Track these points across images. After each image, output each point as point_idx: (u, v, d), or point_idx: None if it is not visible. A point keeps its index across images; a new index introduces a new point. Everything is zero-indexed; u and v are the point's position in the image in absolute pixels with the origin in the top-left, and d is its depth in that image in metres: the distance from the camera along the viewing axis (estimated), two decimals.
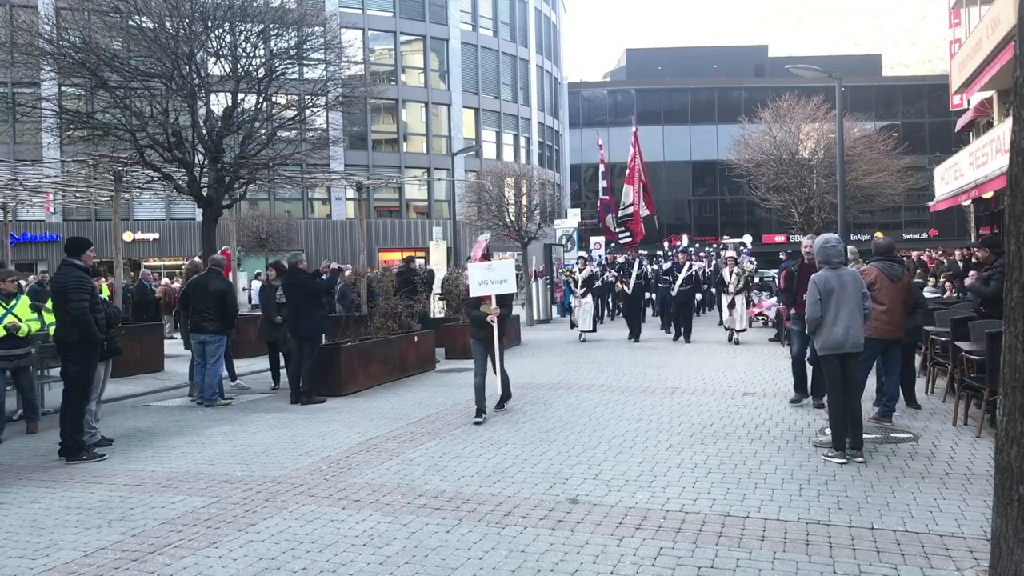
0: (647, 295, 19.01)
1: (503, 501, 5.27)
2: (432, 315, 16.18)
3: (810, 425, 7.45)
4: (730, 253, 16.79)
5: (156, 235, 35.62)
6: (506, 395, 8.75)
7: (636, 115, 55.56)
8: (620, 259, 18.67)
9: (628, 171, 23.22)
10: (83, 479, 6.23)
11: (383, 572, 4.12)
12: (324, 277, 10.93)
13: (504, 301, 8.55)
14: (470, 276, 8.66)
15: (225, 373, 10.62)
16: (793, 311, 8.74)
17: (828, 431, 6.52)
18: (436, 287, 17.70)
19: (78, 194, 15.83)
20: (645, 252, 26.26)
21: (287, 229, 32.29)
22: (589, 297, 17.04)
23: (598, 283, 19.52)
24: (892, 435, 6.91)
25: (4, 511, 5.41)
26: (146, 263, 31.05)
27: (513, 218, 25.91)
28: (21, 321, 7.82)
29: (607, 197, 24.84)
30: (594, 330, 17.04)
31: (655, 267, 19.96)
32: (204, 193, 10.25)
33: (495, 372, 8.48)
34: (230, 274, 15.31)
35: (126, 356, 10.36)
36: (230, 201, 10.79)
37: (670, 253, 18.73)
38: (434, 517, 4.97)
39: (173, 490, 5.81)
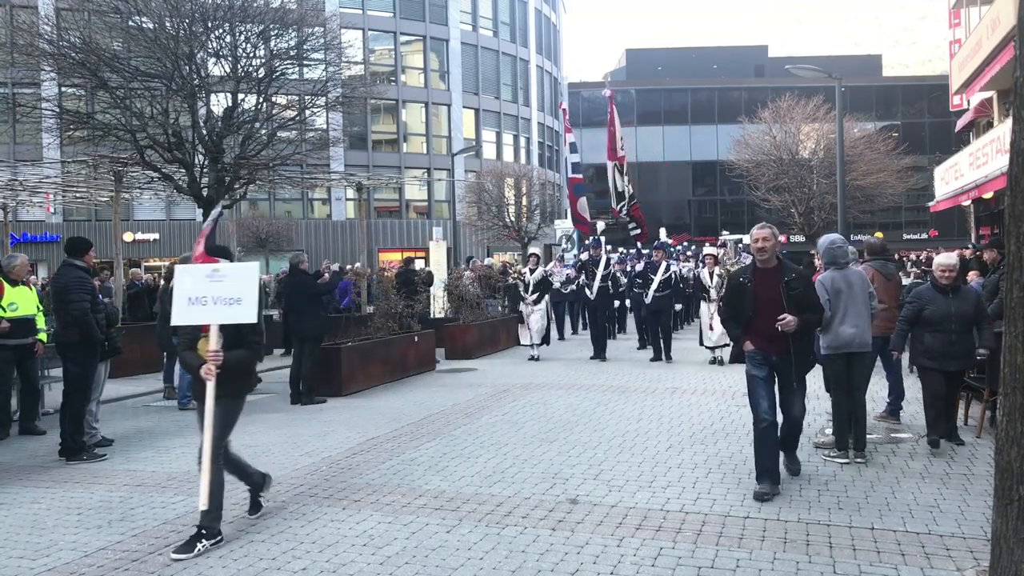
0: (618, 302, 15.93)
1: (503, 501, 5.27)
2: (432, 315, 16.18)
3: (810, 425, 7.45)
4: (709, 250, 13.17)
5: (156, 235, 35.62)
6: (211, 515, 4.58)
7: (636, 115, 55.59)
8: (583, 256, 14.79)
9: (608, 142, 17.57)
10: (83, 479, 6.23)
11: (383, 572, 4.12)
12: (326, 278, 10.89)
13: (239, 336, 4.70)
14: (176, 287, 4.79)
15: None
16: (749, 346, 5.42)
17: (828, 431, 6.53)
18: (437, 287, 17.69)
19: (78, 194, 15.83)
20: (622, 250, 23.54)
21: (287, 229, 32.35)
22: (543, 304, 13.98)
23: (572, 287, 16.54)
24: (893, 435, 6.91)
25: (4, 511, 5.41)
26: (146, 263, 31.06)
27: (513, 218, 25.95)
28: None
29: (578, 176, 19.29)
30: (546, 343, 14.17)
31: (629, 267, 16.56)
32: (204, 193, 10.25)
33: (198, 465, 4.80)
34: None
35: (126, 356, 10.36)
36: (230, 201, 10.80)
37: (646, 251, 15.13)
38: (434, 517, 4.97)
39: (173, 490, 5.81)
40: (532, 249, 15.30)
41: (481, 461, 6.41)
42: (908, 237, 51.82)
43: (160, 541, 4.67)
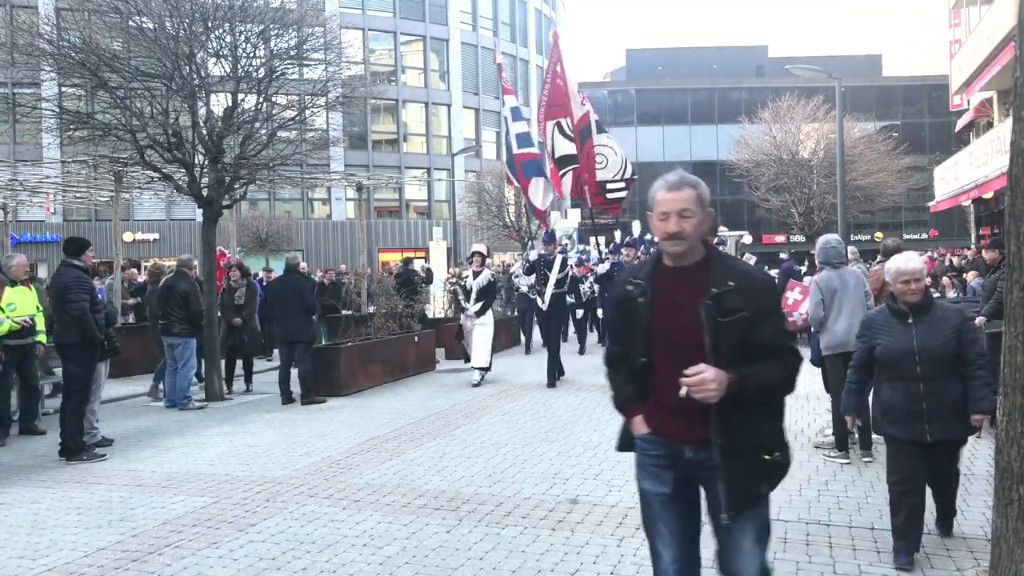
0: (583, 311, 13.96)
1: (503, 501, 5.27)
2: (433, 315, 16.18)
3: (810, 425, 7.45)
4: None
5: (156, 235, 35.62)
6: None
7: (636, 115, 55.55)
8: (532, 255, 11.95)
9: (547, 96, 13.51)
10: (83, 479, 6.23)
11: (383, 572, 4.12)
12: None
13: None
14: None
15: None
16: (640, 426, 2.73)
17: (828, 432, 6.52)
18: (437, 288, 17.70)
19: (78, 194, 15.83)
20: (581, 247, 20.73)
21: (287, 229, 32.35)
22: (489, 317, 10.98)
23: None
24: None
25: (4, 511, 5.41)
26: (146, 264, 31.05)
27: (513, 218, 25.90)
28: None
29: (529, 151, 14.77)
30: (488, 367, 10.85)
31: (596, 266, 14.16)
32: (204, 193, 10.23)
33: None
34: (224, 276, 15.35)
35: (126, 356, 10.38)
36: (230, 201, 10.76)
37: (607, 250, 11.63)
38: (434, 517, 4.97)
39: (173, 490, 5.81)
40: (475, 246, 11.66)
41: (481, 461, 6.41)
42: (908, 237, 51.77)
43: (160, 541, 4.67)
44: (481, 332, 10.80)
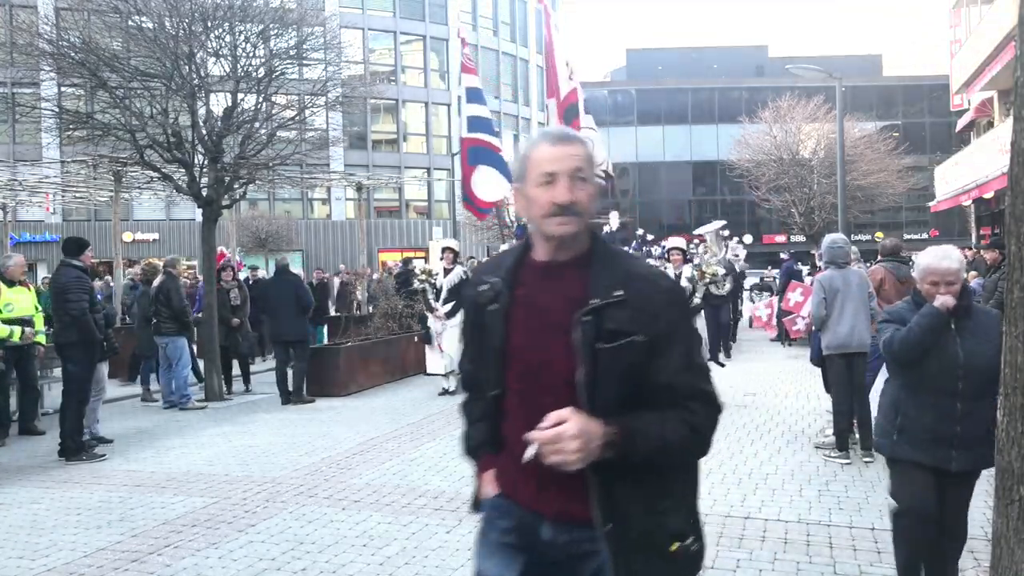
0: None
1: None
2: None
3: (810, 426, 7.45)
4: (674, 242, 9.51)
5: (156, 235, 35.60)
6: None
7: (636, 115, 55.58)
8: (502, 249, 9.63)
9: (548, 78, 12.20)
10: (83, 479, 6.23)
11: (383, 572, 4.11)
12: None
13: None
14: None
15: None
16: (488, 487, 1.94)
17: (829, 432, 6.52)
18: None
19: (78, 194, 15.86)
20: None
21: (287, 229, 32.34)
22: (461, 316, 9.01)
23: None
24: None
25: (4, 511, 5.41)
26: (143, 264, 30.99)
27: (513, 218, 25.91)
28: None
29: (478, 137, 12.35)
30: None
31: None
32: (204, 193, 10.23)
33: None
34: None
35: (125, 357, 10.38)
36: (230, 201, 10.77)
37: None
38: (434, 518, 4.96)
39: (173, 490, 5.80)
40: (445, 242, 10.40)
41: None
42: (909, 237, 51.77)
43: (160, 541, 4.67)
44: (454, 336, 9.49)
